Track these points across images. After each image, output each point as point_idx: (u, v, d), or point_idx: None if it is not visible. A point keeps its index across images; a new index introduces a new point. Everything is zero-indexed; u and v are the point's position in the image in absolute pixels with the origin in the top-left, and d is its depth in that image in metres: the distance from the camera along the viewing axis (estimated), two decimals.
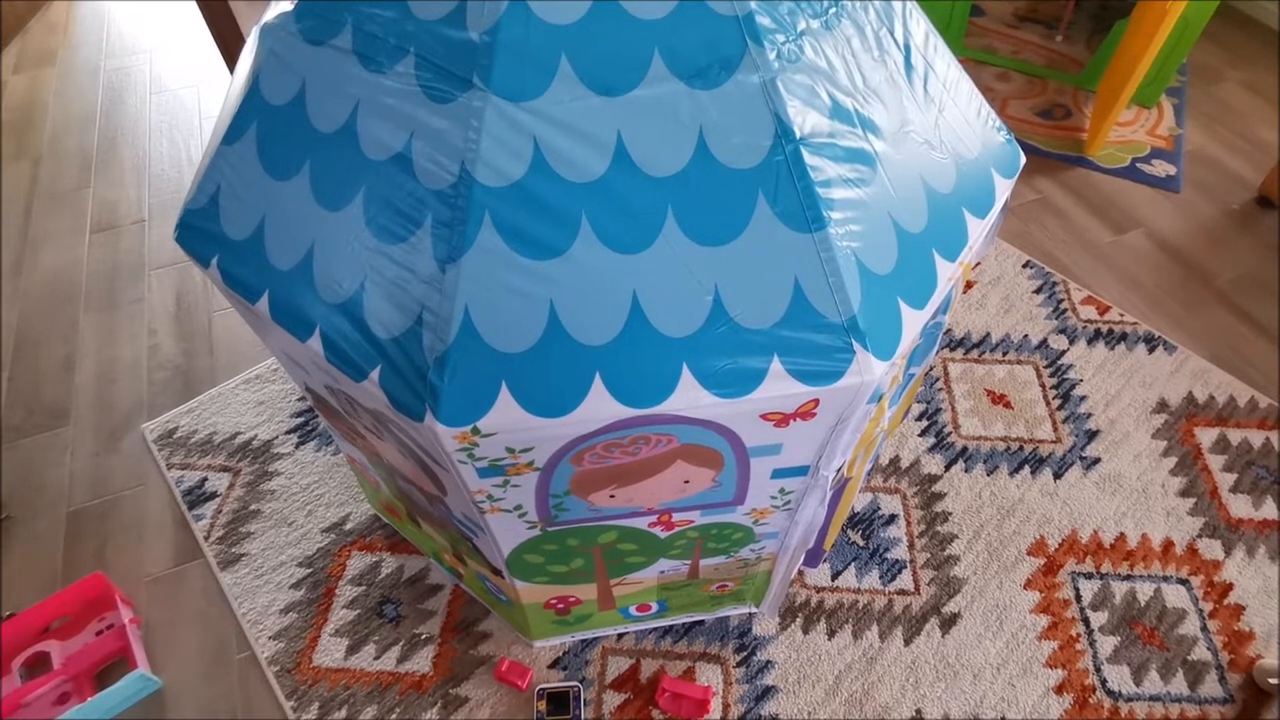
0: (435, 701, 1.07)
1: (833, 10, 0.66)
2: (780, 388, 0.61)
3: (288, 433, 1.37)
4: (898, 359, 0.65)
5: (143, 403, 1.44)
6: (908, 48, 0.72)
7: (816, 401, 0.63)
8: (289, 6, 0.67)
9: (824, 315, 0.61)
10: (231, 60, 1.72)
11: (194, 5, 1.64)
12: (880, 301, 0.63)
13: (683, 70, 0.59)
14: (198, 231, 0.71)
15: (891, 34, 0.71)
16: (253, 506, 1.27)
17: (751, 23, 0.59)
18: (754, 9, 0.59)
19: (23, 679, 1.10)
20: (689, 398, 0.61)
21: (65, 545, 1.26)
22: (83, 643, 1.13)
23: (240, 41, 1.69)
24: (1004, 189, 0.78)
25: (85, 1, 2.54)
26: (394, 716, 1.06)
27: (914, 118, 0.70)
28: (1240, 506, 1.25)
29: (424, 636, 1.13)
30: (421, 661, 1.11)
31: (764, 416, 0.64)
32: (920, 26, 0.75)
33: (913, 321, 0.66)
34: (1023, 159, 0.83)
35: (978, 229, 0.74)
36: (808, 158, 0.60)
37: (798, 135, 0.60)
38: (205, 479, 1.31)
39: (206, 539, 1.24)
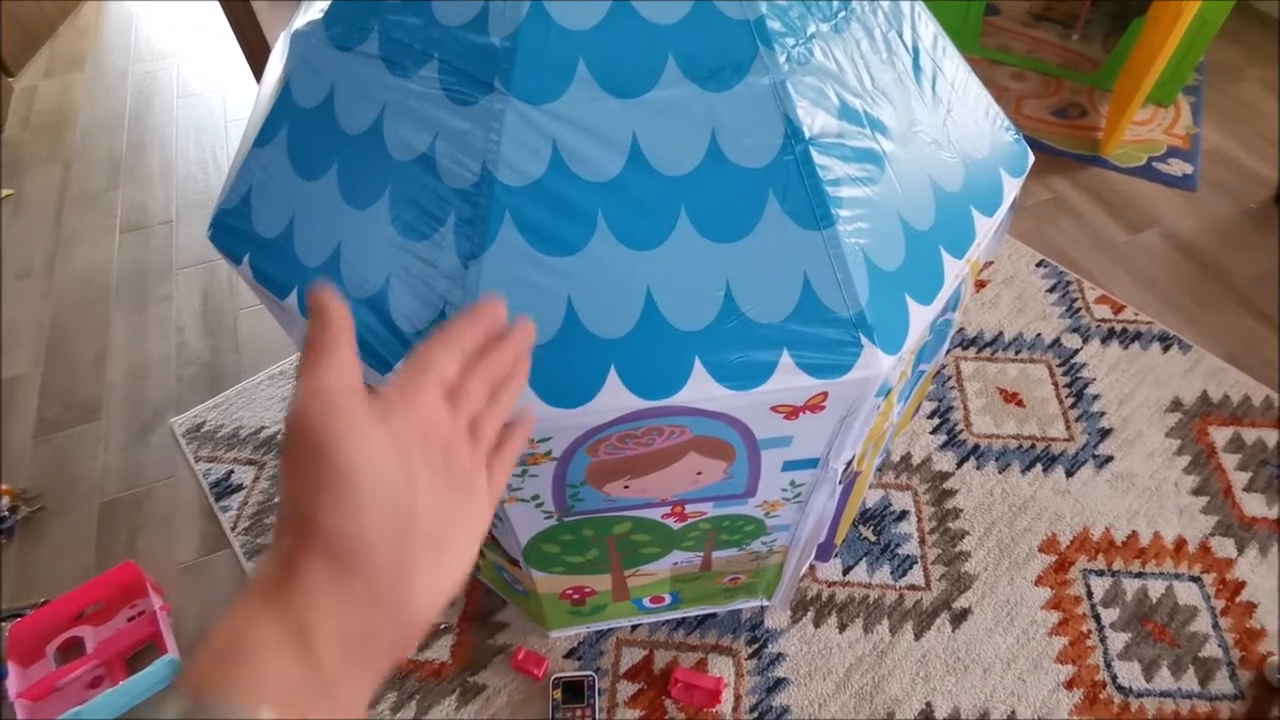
0: (453, 689, 1.10)
1: (842, 14, 0.67)
2: (790, 380, 0.63)
3: None
4: (905, 354, 0.67)
5: (172, 397, 1.48)
6: (916, 50, 0.73)
7: (825, 394, 0.65)
8: (318, 15, 0.70)
9: (833, 310, 0.63)
10: (255, 64, 1.77)
11: (219, 10, 1.68)
12: (888, 297, 0.65)
13: (696, 73, 0.61)
14: (230, 230, 0.74)
15: (900, 36, 0.72)
16: (277, 499, 1.31)
17: (762, 27, 0.61)
18: (765, 13, 0.61)
19: (57, 663, 1.14)
20: (701, 390, 0.63)
21: (98, 535, 1.30)
22: (115, 628, 1.17)
23: (264, 46, 1.73)
24: (1012, 188, 0.80)
25: (114, 2, 2.60)
26: (413, 703, 1.09)
27: (922, 118, 0.72)
28: (1254, 505, 1.25)
29: (442, 626, 1.16)
30: (440, 650, 1.14)
31: (774, 409, 0.66)
32: (929, 29, 0.76)
33: (920, 317, 0.67)
34: (1031, 158, 0.84)
35: (985, 227, 0.75)
36: (817, 157, 0.62)
37: (807, 135, 0.62)
38: (231, 471, 1.35)
39: (233, 529, 1.28)
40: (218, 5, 1.66)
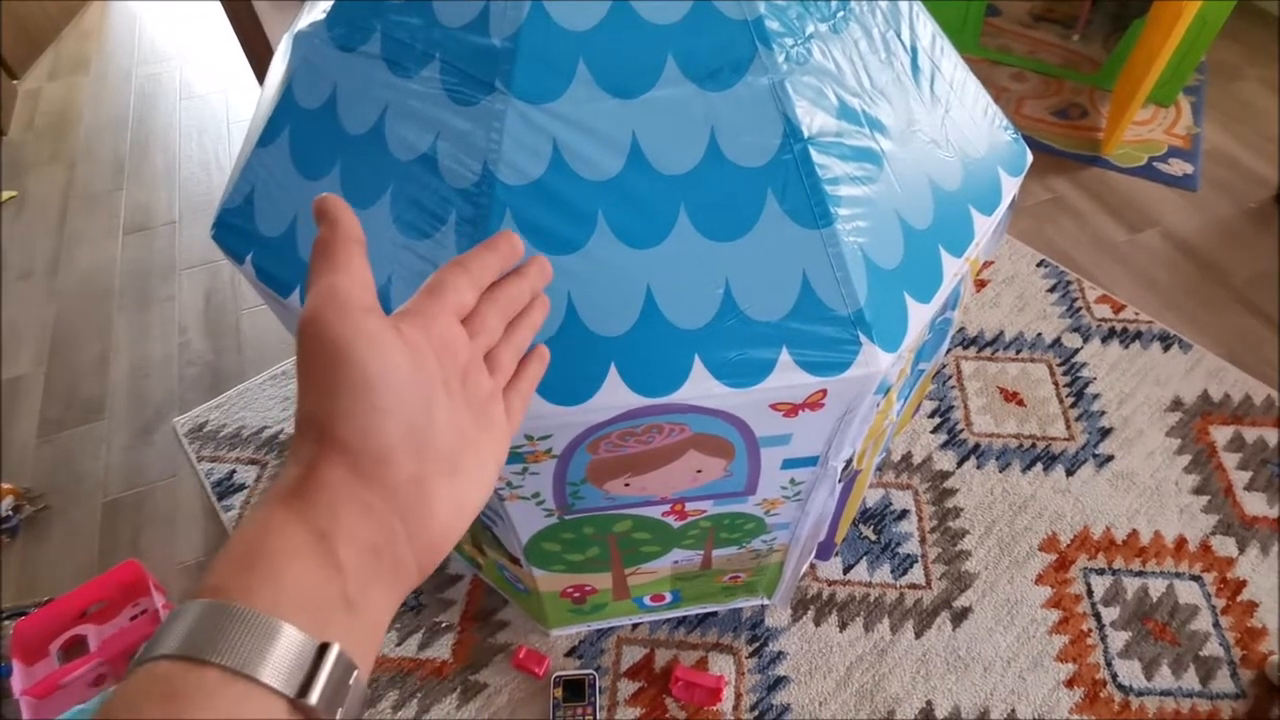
0: (455, 687, 1.10)
1: (840, 14, 0.68)
2: (789, 378, 0.63)
3: None
4: (904, 351, 0.67)
5: (174, 397, 1.48)
6: (914, 49, 0.74)
7: (824, 392, 0.65)
8: (321, 15, 0.71)
9: (831, 308, 0.63)
10: (258, 66, 1.77)
11: (221, 12, 1.69)
12: (886, 295, 0.65)
13: (695, 73, 0.61)
14: (233, 229, 0.74)
15: (898, 36, 0.73)
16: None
17: (761, 27, 0.62)
18: (763, 14, 0.62)
19: (60, 661, 1.15)
20: (701, 387, 0.63)
21: (101, 534, 1.31)
22: (118, 627, 1.18)
23: (266, 48, 1.74)
24: (1010, 187, 0.80)
25: (118, 3, 2.61)
26: (414, 702, 1.09)
27: (921, 117, 0.72)
28: (1255, 504, 1.25)
29: (444, 625, 1.17)
30: (442, 649, 1.14)
31: (773, 406, 0.67)
32: (927, 29, 0.77)
33: (918, 315, 0.68)
34: (1029, 157, 0.85)
35: (984, 226, 0.75)
36: (815, 156, 0.62)
37: (806, 135, 0.62)
38: (234, 471, 1.35)
39: (235, 529, 1.28)
40: (220, 7, 1.67)
